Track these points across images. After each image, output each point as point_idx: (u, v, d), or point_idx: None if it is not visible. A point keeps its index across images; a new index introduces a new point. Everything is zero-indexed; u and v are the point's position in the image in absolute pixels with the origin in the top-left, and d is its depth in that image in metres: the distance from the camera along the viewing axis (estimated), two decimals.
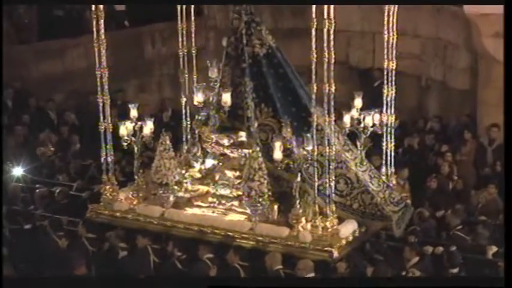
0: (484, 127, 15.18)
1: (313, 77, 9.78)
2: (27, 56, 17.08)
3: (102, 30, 10.94)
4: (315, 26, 9.59)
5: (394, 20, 10.80)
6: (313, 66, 9.73)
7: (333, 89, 9.77)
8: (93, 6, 10.78)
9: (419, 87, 17.87)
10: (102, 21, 10.89)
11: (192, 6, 11.80)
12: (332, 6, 9.46)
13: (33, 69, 17.06)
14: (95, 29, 10.91)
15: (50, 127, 15.62)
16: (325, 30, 9.54)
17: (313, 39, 9.64)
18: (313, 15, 9.54)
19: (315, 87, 9.87)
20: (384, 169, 11.45)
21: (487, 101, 15.41)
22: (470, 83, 16.17)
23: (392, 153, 11.49)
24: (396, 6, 10.72)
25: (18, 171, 12.72)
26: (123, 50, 17.81)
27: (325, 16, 9.47)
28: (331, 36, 9.58)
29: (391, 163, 11.47)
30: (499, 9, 14.63)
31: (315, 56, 9.70)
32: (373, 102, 12.01)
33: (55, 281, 9.38)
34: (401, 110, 16.50)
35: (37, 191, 12.32)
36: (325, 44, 9.59)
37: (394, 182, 11.54)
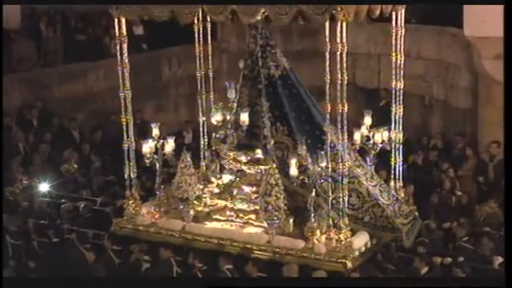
0: (484, 144, 15.17)
1: (327, 97, 9.78)
2: (52, 78, 17.12)
3: (126, 54, 11.00)
4: (328, 49, 9.59)
5: (402, 42, 10.79)
6: (327, 87, 9.72)
7: (345, 109, 9.79)
8: (117, 31, 10.75)
9: (423, 106, 17.86)
10: (125, 46, 10.97)
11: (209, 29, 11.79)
12: (344, 31, 9.45)
13: (57, 90, 17.09)
14: (118, 53, 10.97)
15: (73, 145, 15.66)
16: (338, 53, 9.58)
17: (327, 62, 9.66)
18: (327, 39, 9.56)
19: (329, 107, 9.85)
20: (392, 183, 11.39)
21: (487, 119, 15.42)
22: (471, 102, 16.16)
23: (401, 168, 11.42)
24: (404, 30, 10.70)
25: (44, 187, 12.68)
26: (141, 72, 17.85)
27: (338, 40, 9.51)
28: (344, 59, 9.61)
29: (399, 177, 11.39)
30: (498, 32, 14.73)
31: (329, 77, 9.68)
32: (379, 120, 11.99)
33: (55, 281, 9.36)
34: (406, 127, 16.60)
35: (62, 206, 12.28)
36: (338, 66, 9.62)
37: (402, 195, 11.47)
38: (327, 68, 9.65)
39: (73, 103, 16.87)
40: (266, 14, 9.97)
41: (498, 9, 14.54)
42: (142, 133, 12.39)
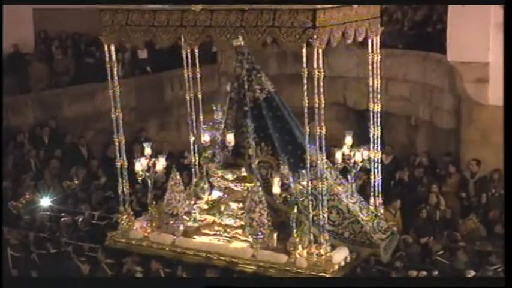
0: (466, 162, 15.01)
1: (306, 120, 9.63)
2: (62, 98, 17.15)
3: (116, 78, 10.87)
4: (306, 75, 9.45)
5: (378, 67, 10.66)
6: (305, 110, 9.58)
7: (323, 130, 9.62)
8: (107, 57, 10.68)
9: (409, 126, 17.78)
10: (115, 70, 10.84)
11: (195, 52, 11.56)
12: (321, 57, 9.30)
13: (67, 109, 17.11)
14: (109, 77, 10.83)
15: (81, 161, 15.61)
16: (315, 78, 9.42)
17: (305, 86, 9.51)
18: (304, 65, 9.43)
19: (308, 129, 9.72)
20: (372, 200, 11.20)
21: (469, 139, 15.28)
22: (454, 123, 16.02)
23: (380, 186, 11.24)
24: (379, 55, 10.57)
25: (46, 201, 12.60)
26: (145, 93, 17.88)
27: (315, 66, 9.35)
28: (321, 83, 9.44)
29: (378, 194, 11.22)
30: (479, 58, 14.62)
31: (307, 101, 9.55)
32: (368, 139, 11.86)
33: (55, 281, 9.27)
34: (393, 146, 16.49)
35: (62, 219, 12.20)
36: (315, 91, 9.46)
37: (382, 211, 11.29)
38: (305, 93, 9.50)
39: (82, 122, 16.86)
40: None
41: (479, 36, 14.51)
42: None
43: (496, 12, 14.31)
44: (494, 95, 14.62)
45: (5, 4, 14.78)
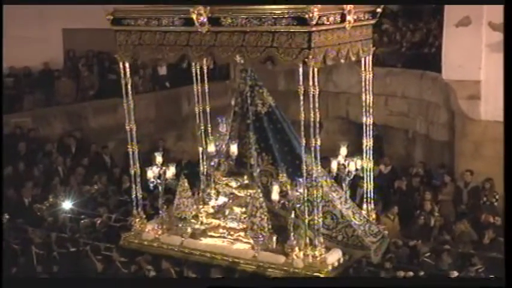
0: (459, 172, 15.05)
1: (302, 133, 9.67)
2: (88, 111, 17.39)
3: (130, 93, 11.03)
4: (302, 92, 9.52)
5: (370, 84, 10.72)
6: (302, 123, 9.64)
7: (318, 142, 9.62)
8: (122, 74, 10.87)
9: (407, 139, 17.83)
10: (129, 86, 11.01)
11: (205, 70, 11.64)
12: (316, 75, 9.39)
13: (92, 121, 17.34)
14: (124, 92, 10.98)
15: (105, 168, 15.81)
16: (310, 95, 9.45)
17: (301, 102, 9.54)
18: (300, 82, 9.49)
19: (304, 140, 9.75)
20: (364, 206, 11.24)
21: (462, 151, 15.35)
22: (449, 136, 16.09)
23: (372, 193, 11.29)
24: (371, 73, 10.65)
25: (67, 204, 12.78)
26: (164, 106, 18.07)
27: (311, 83, 9.41)
28: (316, 99, 9.48)
29: (370, 201, 11.28)
30: (472, 76, 14.67)
31: (303, 114, 9.58)
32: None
33: (55, 281, 9.28)
34: (392, 157, 16.56)
35: (82, 221, 12.38)
36: (311, 106, 9.48)
37: (373, 216, 11.32)
38: (301, 108, 9.54)
39: (105, 132, 17.11)
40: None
41: (472, 56, 14.58)
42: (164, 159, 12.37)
43: (487, 33, 14.41)
44: (486, 110, 14.71)
45: (5, 4, 14.69)
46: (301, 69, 9.42)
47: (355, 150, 11.18)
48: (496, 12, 14.02)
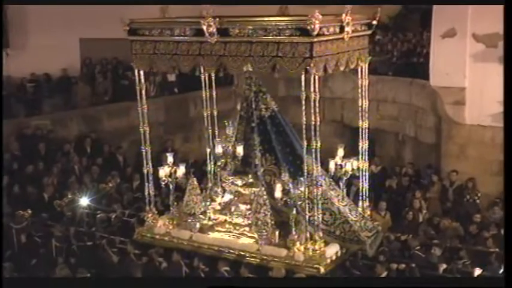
0: (446, 172, 15.02)
1: (304, 135, 9.63)
2: (102, 114, 17.31)
3: (144, 97, 10.97)
4: (304, 97, 9.49)
5: (366, 90, 10.69)
6: (304, 127, 9.60)
7: (319, 144, 9.59)
8: (137, 80, 10.83)
9: (397, 141, 17.79)
10: (143, 91, 10.95)
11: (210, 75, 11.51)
12: (317, 82, 9.35)
13: (106, 124, 17.26)
14: (138, 97, 10.94)
15: (118, 167, 15.74)
16: (311, 100, 9.43)
17: (303, 107, 9.53)
18: (303, 89, 9.46)
19: (305, 142, 9.73)
20: (360, 203, 11.21)
21: (448, 153, 15.31)
22: (436, 138, 16.05)
23: (367, 191, 11.25)
24: (367, 80, 10.60)
25: (85, 201, 12.73)
26: (173, 110, 18.02)
27: (312, 90, 9.38)
28: (317, 105, 9.46)
29: (365, 199, 11.24)
30: (458, 83, 14.66)
31: (305, 119, 9.57)
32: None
33: (55, 281, 9.15)
34: (383, 158, 16.52)
35: (98, 216, 12.31)
36: (312, 111, 9.45)
37: (369, 213, 11.29)
38: (303, 112, 9.53)
39: (119, 134, 17.01)
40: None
41: (457, 65, 14.56)
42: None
43: (471, 44, 14.42)
44: (470, 115, 14.73)
45: (5, 4, 14.43)
46: (303, 77, 9.39)
47: (349, 152, 11.12)
48: (480, 25, 14.08)
